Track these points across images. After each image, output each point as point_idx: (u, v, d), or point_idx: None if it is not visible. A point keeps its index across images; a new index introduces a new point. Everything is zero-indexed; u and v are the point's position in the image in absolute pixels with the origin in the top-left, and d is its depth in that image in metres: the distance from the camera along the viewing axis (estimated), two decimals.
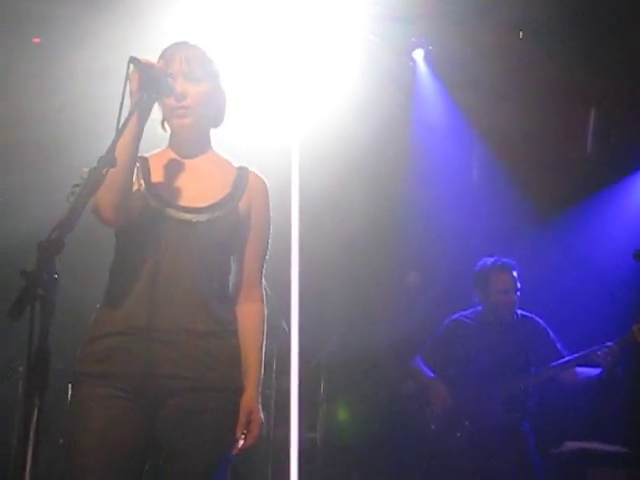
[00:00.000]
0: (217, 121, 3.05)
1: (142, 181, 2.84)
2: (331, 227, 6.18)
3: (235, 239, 2.93)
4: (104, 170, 2.42)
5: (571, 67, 6.37)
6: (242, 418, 2.82)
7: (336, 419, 6.20)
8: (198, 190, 2.89)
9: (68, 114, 5.28)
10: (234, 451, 2.84)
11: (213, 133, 3.06)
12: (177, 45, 2.94)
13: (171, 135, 2.99)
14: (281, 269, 4.73)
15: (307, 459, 5.73)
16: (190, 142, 2.97)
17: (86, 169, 2.57)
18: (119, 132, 2.55)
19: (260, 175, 3.06)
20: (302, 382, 5.48)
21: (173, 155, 2.97)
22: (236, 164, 3.05)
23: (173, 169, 2.93)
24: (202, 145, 3.01)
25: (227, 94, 3.05)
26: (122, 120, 2.57)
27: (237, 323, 2.92)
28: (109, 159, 2.43)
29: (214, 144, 3.07)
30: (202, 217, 2.84)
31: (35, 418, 2.09)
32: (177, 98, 2.82)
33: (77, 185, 2.55)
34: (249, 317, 2.96)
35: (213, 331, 2.82)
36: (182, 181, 2.91)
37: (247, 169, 3.04)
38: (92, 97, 5.02)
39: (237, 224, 2.91)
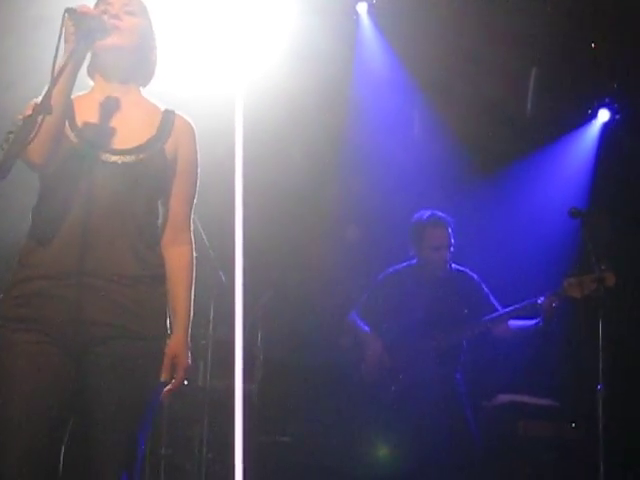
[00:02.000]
0: (147, 67, 3.03)
1: (67, 123, 2.80)
2: (273, 179, 6.16)
3: (162, 182, 2.92)
4: (39, 117, 2.40)
5: (512, 24, 6.40)
6: (167, 361, 2.84)
7: (272, 370, 6.22)
8: (123, 131, 2.87)
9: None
10: (162, 394, 2.85)
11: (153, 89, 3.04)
12: None
13: (97, 72, 2.96)
14: (222, 221, 4.72)
15: (245, 411, 5.76)
16: (118, 74, 2.94)
17: (20, 116, 2.56)
18: (54, 80, 2.56)
19: (187, 118, 3.04)
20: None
21: (98, 96, 2.93)
22: (162, 107, 3.03)
23: (98, 110, 2.90)
24: (129, 85, 2.98)
25: (158, 44, 3.04)
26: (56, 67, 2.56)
27: (163, 267, 2.92)
28: (45, 106, 2.42)
29: (156, 97, 3.05)
30: (128, 158, 2.82)
31: None
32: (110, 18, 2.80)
33: (11, 132, 2.53)
34: (177, 260, 2.96)
35: (141, 276, 2.81)
36: (107, 122, 2.88)
37: (173, 112, 3.03)
38: (27, 46, 4.92)
39: (163, 166, 2.90)
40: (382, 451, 5.51)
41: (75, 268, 2.73)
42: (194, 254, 3.02)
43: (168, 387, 2.86)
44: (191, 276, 2.98)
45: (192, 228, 3.06)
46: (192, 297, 2.96)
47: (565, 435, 5.99)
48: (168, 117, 2.99)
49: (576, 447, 5.86)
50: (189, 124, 3.04)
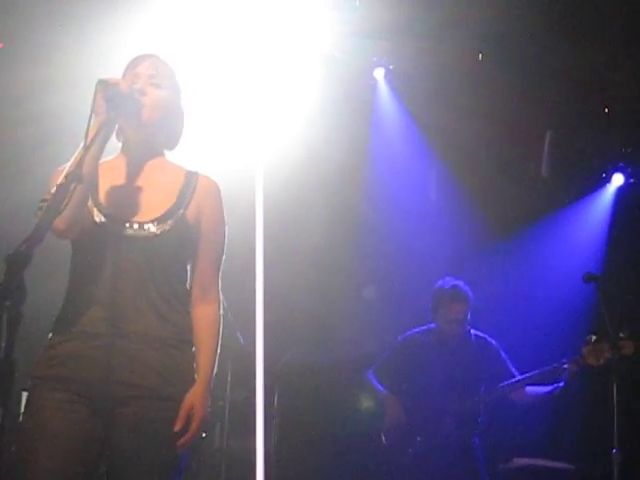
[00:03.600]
0: (171, 137, 3.09)
1: (90, 195, 2.85)
2: (293, 244, 6.24)
3: (186, 247, 2.96)
4: (72, 186, 2.47)
5: (529, 89, 6.49)
6: (183, 412, 2.83)
7: (289, 432, 6.23)
8: (146, 201, 2.92)
9: (30, 127, 5.28)
10: (177, 446, 2.83)
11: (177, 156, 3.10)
12: (147, 54, 3.03)
13: (121, 140, 3.03)
14: (242, 283, 4.78)
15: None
16: (141, 146, 3.00)
17: (52, 183, 2.63)
18: (86, 148, 2.62)
19: (210, 178, 3.07)
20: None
21: (123, 163, 2.99)
22: (189, 168, 3.07)
23: (122, 179, 2.95)
24: (154, 153, 3.03)
25: (185, 115, 3.10)
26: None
27: (191, 331, 2.95)
28: (77, 175, 2.48)
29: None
30: (147, 232, 2.87)
31: None
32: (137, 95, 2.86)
33: (44, 200, 2.60)
34: (203, 318, 2.99)
35: (168, 339, 2.86)
36: (128, 192, 2.93)
37: (196, 173, 3.06)
38: (55, 110, 5.03)
39: (186, 233, 2.94)
40: None
41: (104, 331, 2.79)
42: (221, 312, 3.06)
43: (183, 438, 2.84)
44: (217, 333, 3.01)
45: (220, 287, 3.09)
46: (217, 354, 2.99)
47: None
48: (190, 180, 3.03)
49: None
50: (212, 183, 3.07)
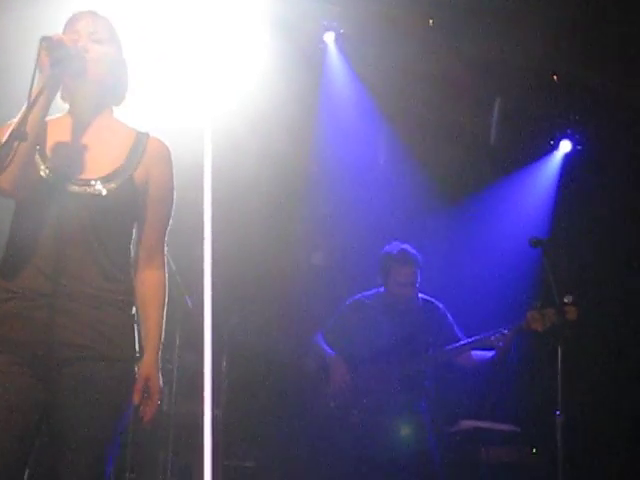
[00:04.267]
0: (117, 92, 3.05)
1: (37, 151, 2.82)
2: (241, 207, 6.21)
3: (133, 209, 2.93)
4: (15, 144, 2.44)
5: (478, 56, 6.51)
6: (139, 384, 2.85)
7: (238, 396, 6.24)
8: (92, 160, 2.89)
9: None
10: (144, 422, 2.87)
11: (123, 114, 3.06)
12: (85, 11, 2.99)
13: (68, 99, 2.99)
14: (190, 246, 4.75)
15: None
16: (88, 103, 2.96)
17: None
18: (30, 106, 2.59)
19: (161, 140, 3.05)
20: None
21: (69, 120, 2.96)
22: (141, 129, 3.04)
23: (68, 138, 2.92)
24: (100, 109, 3.00)
25: (129, 68, 3.07)
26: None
27: (133, 292, 2.94)
28: (21, 132, 2.46)
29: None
30: (93, 189, 2.83)
31: None
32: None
33: None
34: (149, 283, 2.99)
35: (110, 299, 2.83)
36: (76, 149, 2.90)
37: (147, 134, 3.03)
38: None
39: (133, 194, 2.91)
40: (346, 475, 5.53)
41: (46, 290, 2.76)
42: (167, 277, 3.04)
43: (145, 411, 2.87)
44: (163, 299, 3.01)
45: (166, 251, 3.08)
46: (163, 319, 2.98)
47: (526, 460, 6.06)
48: (140, 141, 3.00)
49: (536, 472, 5.92)
50: (163, 146, 3.05)
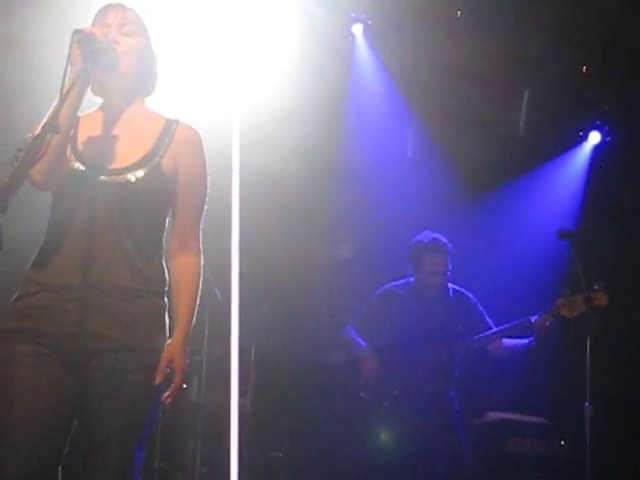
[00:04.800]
0: (148, 83, 3.07)
1: (69, 145, 2.84)
2: (269, 200, 6.23)
3: (163, 195, 2.94)
4: (48, 136, 2.47)
5: (507, 47, 6.49)
6: (163, 364, 2.84)
7: (266, 387, 6.27)
8: (123, 148, 2.90)
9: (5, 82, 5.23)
10: (162, 400, 2.87)
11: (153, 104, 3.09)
12: (114, 4, 3.01)
13: (99, 92, 3.00)
14: (219, 238, 4.78)
15: (238, 426, 5.80)
16: (119, 94, 2.98)
17: (30, 135, 2.63)
18: (62, 99, 2.61)
19: (191, 127, 3.05)
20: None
21: (101, 114, 2.98)
22: (170, 117, 3.05)
23: (100, 128, 2.94)
24: (131, 100, 3.02)
25: (158, 59, 3.09)
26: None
27: (167, 283, 2.93)
28: (53, 126, 2.48)
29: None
30: (121, 178, 2.85)
31: None
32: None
33: (21, 150, 2.59)
34: (183, 270, 2.98)
35: (139, 290, 2.84)
36: (108, 140, 2.92)
37: (177, 121, 3.04)
38: (30, 66, 4.99)
39: (161, 181, 2.91)
40: (375, 465, 5.54)
41: (75, 283, 2.78)
42: (202, 263, 3.04)
43: (167, 393, 2.87)
44: (196, 285, 2.99)
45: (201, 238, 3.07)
46: (196, 305, 2.97)
47: (554, 452, 6.04)
48: (169, 127, 3.01)
49: (565, 464, 5.91)
50: (193, 132, 3.04)
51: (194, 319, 2.98)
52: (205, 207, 3.06)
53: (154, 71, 3.09)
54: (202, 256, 3.05)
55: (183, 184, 2.98)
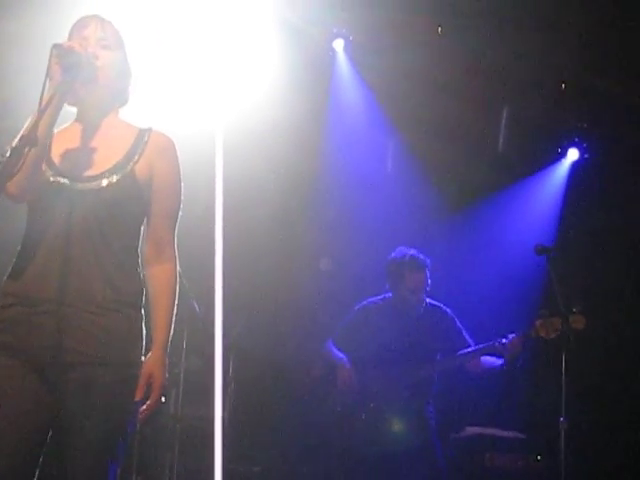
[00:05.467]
0: (123, 95, 3.08)
1: (44, 158, 2.83)
2: (250, 213, 6.26)
3: (137, 202, 2.93)
4: (25, 149, 2.47)
5: (487, 64, 6.53)
6: (142, 381, 2.85)
7: (244, 399, 6.26)
8: (97, 156, 2.90)
9: None
10: (139, 415, 2.87)
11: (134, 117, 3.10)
12: (91, 16, 3.01)
13: (75, 103, 3.00)
14: (198, 251, 4.79)
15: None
16: (96, 108, 2.99)
17: (7, 147, 2.63)
18: (41, 112, 2.62)
19: (164, 134, 3.04)
20: (211, 363, 5.52)
21: (78, 126, 2.98)
22: (144, 126, 3.05)
23: (76, 139, 2.95)
24: (106, 112, 3.02)
25: (133, 71, 3.09)
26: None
27: (143, 293, 2.92)
28: (31, 138, 2.49)
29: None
30: (93, 185, 2.84)
31: None
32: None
33: None
34: (159, 277, 2.96)
35: (111, 303, 2.82)
36: (82, 150, 2.92)
37: (150, 129, 3.03)
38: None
39: (135, 187, 2.90)
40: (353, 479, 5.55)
41: (51, 296, 2.78)
42: (177, 270, 3.02)
43: (144, 407, 2.87)
44: (173, 292, 2.98)
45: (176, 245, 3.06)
46: (173, 313, 2.97)
47: (530, 467, 6.06)
48: (142, 135, 3.01)
49: (540, 478, 5.93)
50: (166, 139, 3.04)
51: (172, 329, 2.97)
52: (180, 214, 3.05)
53: (129, 83, 3.09)
54: (177, 262, 3.04)
55: (157, 190, 2.97)
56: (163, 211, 3.00)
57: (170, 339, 2.96)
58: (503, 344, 5.48)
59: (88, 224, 2.82)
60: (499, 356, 5.59)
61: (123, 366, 2.84)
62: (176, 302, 2.98)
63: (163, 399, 2.93)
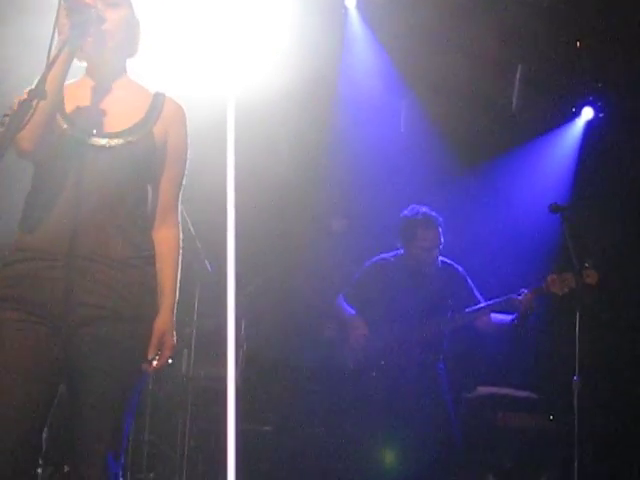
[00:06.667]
0: (132, 49, 3.07)
1: (55, 112, 2.82)
2: (262, 174, 6.21)
3: (150, 164, 2.96)
4: (34, 102, 2.45)
5: (501, 22, 6.46)
6: (154, 340, 2.89)
7: (256, 360, 6.28)
8: (113, 115, 2.92)
9: None
10: (149, 369, 2.91)
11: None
12: None
13: (85, 59, 3.00)
14: (208, 211, 4.78)
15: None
16: (107, 67, 2.99)
17: (16, 100, 2.61)
18: (49, 66, 2.60)
19: (176, 101, 3.08)
20: (223, 323, 5.52)
21: (89, 82, 2.98)
22: (152, 90, 3.07)
23: (88, 96, 2.94)
24: (118, 71, 3.03)
25: (141, 23, 3.07)
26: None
27: (153, 251, 2.97)
28: (40, 91, 2.47)
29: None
30: (116, 141, 2.87)
31: None
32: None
33: (7, 115, 2.58)
34: (165, 242, 3.01)
35: (129, 258, 2.86)
36: (96, 107, 2.93)
37: (163, 95, 3.07)
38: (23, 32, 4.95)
39: (152, 148, 2.94)
40: (364, 437, 5.55)
41: (65, 250, 2.78)
42: (181, 235, 3.08)
43: (155, 363, 2.90)
44: (177, 257, 3.04)
45: (180, 210, 3.11)
46: (178, 278, 3.02)
47: (543, 426, 6.07)
48: (157, 100, 3.04)
49: (553, 438, 5.94)
50: (179, 107, 3.08)
51: (177, 291, 3.01)
52: (184, 181, 3.10)
53: (137, 40, 3.08)
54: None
55: (170, 155, 3.02)
56: (172, 176, 3.05)
57: (176, 301, 3.00)
58: (515, 299, 5.45)
59: (105, 180, 2.83)
60: (510, 313, 5.56)
61: (137, 321, 2.87)
62: (180, 267, 3.04)
63: (170, 360, 2.96)
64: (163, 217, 3.04)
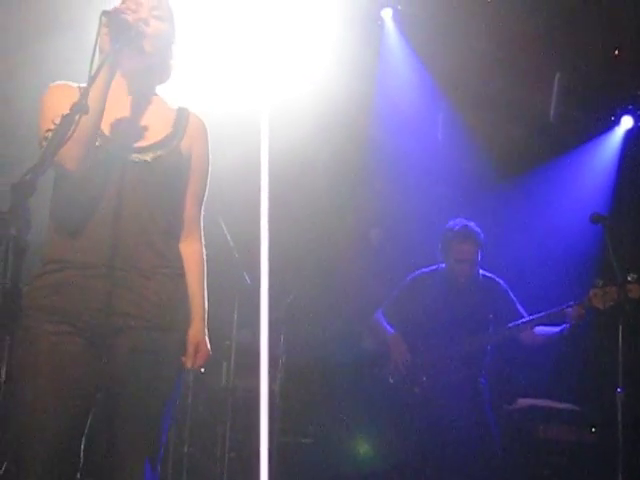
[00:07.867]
0: (166, 71, 3.09)
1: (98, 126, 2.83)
2: (298, 186, 6.23)
3: (178, 178, 2.99)
4: (77, 116, 2.47)
5: (538, 31, 6.43)
6: (190, 349, 2.94)
7: (295, 372, 6.27)
8: (143, 129, 2.94)
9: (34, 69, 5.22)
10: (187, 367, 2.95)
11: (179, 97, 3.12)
12: None
13: (118, 71, 2.95)
14: (246, 223, 4.78)
15: (267, 412, 5.79)
16: (139, 76, 3.00)
17: (59, 116, 2.61)
18: (91, 80, 2.62)
19: (199, 116, 3.12)
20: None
21: (119, 92, 2.97)
22: (175, 106, 3.10)
23: (120, 110, 2.95)
24: (148, 85, 3.05)
25: (178, 54, 3.11)
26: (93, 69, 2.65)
27: (182, 262, 3.00)
28: (82, 105, 2.48)
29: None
30: (145, 156, 2.89)
31: (6, 356, 2.14)
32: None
33: (50, 130, 2.59)
34: (191, 256, 3.06)
35: (161, 269, 2.89)
36: (129, 121, 2.95)
37: (187, 109, 3.11)
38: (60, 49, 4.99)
39: (179, 163, 2.97)
40: (406, 451, 5.53)
41: (105, 261, 2.80)
42: (204, 250, 3.12)
43: (191, 367, 2.96)
44: (204, 271, 3.09)
45: (202, 225, 3.15)
46: (205, 290, 3.07)
47: (584, 439, 6.01)
48: (182, 114, 3.07)
49: (595, 451, 5.87)
50: (202, 122, 3.12)
51: (207, 302, 3.06)
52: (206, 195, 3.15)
53: (172, 61, 3.10)
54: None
55: (194, 170, 3.06)
56: (196, 191, 3.09)
57: (206, 312, 3.05)
58: (561, 312, 5.38)
59: (137, 194, 2.86)
60: (554, 325, 5.50)
61: (173, 331, 2.91)
62: (206, 280, 3.09)
63: (203, 369, 2.99)
64: (188, 232, 3.08)
